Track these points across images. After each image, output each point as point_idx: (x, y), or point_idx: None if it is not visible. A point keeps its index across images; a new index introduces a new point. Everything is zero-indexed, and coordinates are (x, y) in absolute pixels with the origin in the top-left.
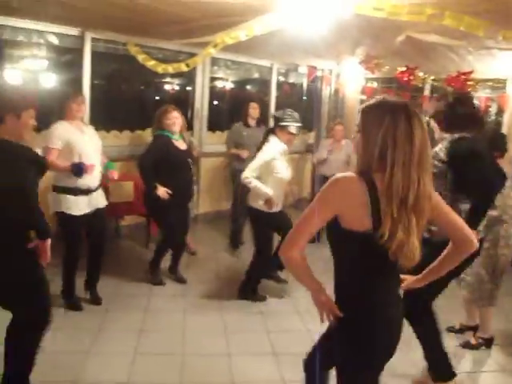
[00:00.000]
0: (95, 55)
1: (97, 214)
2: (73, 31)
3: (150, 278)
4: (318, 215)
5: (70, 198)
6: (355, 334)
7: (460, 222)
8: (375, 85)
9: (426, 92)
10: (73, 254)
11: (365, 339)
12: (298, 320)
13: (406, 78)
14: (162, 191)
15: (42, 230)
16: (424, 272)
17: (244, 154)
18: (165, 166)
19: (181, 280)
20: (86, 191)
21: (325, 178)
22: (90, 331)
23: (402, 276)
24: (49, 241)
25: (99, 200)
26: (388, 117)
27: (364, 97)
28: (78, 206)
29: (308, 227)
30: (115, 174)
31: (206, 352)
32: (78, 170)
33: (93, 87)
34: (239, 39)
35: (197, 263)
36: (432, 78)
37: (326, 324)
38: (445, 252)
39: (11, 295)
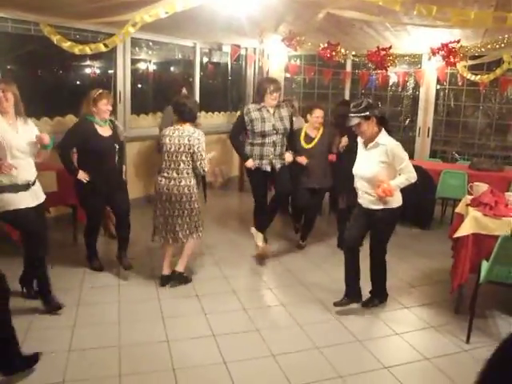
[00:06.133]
0: (3, 36)
1: (38, 209)
2: None
3: (89, 265)
4: None
5: (10, 196)
6: None
7: None
8: (298, 62)
9: (348, 68)
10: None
11: None
12: (234, 300)
13: (328, 55)
14: (82, 175)
15: None
16: None
17: None
18: (86, 152)
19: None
20: (26, 186)
21: None
22: None
23: None
24: None
25: (39, 194)
26: None
27: (288, 74)
28: (22, 202)
29: None
30: (45, 137)
31: (144, 340)
32: None
33: (4, 72)
34: (159, 17)
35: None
36: (353, 53)
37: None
38: None
39: None
